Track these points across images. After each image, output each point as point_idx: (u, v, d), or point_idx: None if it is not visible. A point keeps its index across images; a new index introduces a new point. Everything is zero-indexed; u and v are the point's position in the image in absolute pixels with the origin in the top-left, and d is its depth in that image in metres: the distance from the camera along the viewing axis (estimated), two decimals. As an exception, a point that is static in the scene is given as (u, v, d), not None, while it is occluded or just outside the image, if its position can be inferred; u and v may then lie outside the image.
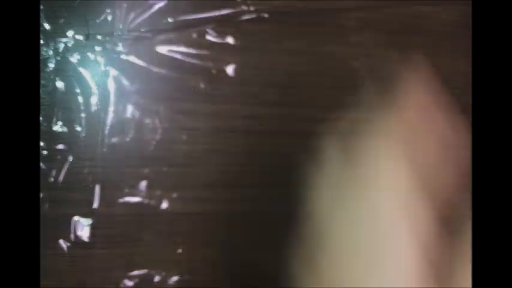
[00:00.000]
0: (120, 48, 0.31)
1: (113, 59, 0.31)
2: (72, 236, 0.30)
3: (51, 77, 0.30)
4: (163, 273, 0.32)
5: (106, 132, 0.31)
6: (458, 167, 0.28)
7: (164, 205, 0.32)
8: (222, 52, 0.32)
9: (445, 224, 0.27)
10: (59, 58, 0.30)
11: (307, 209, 0.26)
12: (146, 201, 0.31)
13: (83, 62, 0.31)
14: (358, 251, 0.23)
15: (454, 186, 0.27)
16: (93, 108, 0.31)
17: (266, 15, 0.32)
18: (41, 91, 0.30)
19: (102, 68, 0.31)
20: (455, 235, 0.28)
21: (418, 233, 0.24)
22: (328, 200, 0.25)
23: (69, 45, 0.30)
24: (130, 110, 0.31)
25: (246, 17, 0.32)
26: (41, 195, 0.30)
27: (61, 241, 0.30)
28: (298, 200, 0.34)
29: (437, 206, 0.26)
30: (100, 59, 0.31)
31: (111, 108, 0.31)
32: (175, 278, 0.32)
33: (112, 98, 0.31)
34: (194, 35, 0.32)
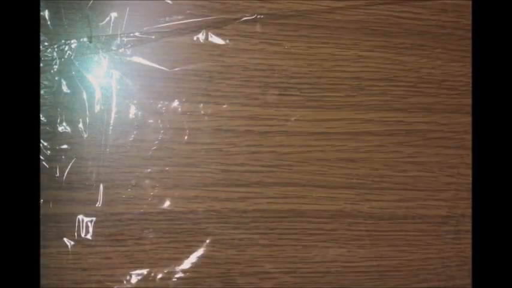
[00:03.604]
0: (123, 49, 0.31)
1: (116, 60, 0.31)
2: (75, 235, 0.31)
3: (55, 78, 0.31)
4: (166, 272, 0.32)
5: (109, 132, 0.31)
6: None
7: (166, 204, 0.32)
8: (223, 53, 0.32)
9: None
10: (62, 59, 0.31)
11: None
12: (149, 200, 0.32)
13: (87, 63, 0.31)
14: None
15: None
16: (97, 108, 0.31)
17: (266, 18, 0.33)
18: (44, 92, 0.31)
19: (106, 69, 0.31)
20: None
21: None
22: None
23: (73, 46, 0.31)
24: (133, 111, 0.32)
25: (246, 19, 0.32)
26: (45, 194, 0.30)
27: (65, 239, 0.31)
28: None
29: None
30: (103, 60, 0.31)
31: (114, 109, 0.31)
32: (177, 276, 0.32)
33: (115, 98, 0.31)
34: (196, 37, 0.32)
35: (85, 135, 0.31)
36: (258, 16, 0.32)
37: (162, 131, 0.32)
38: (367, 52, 0.34)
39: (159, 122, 0.32)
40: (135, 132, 0.32)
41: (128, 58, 0.31)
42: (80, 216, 0.31)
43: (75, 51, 0.31)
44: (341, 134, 0.34)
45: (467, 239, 0.35)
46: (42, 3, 0.30)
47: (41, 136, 0.30)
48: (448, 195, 0.35)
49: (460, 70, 0.35)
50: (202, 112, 0.32)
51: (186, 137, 0.32)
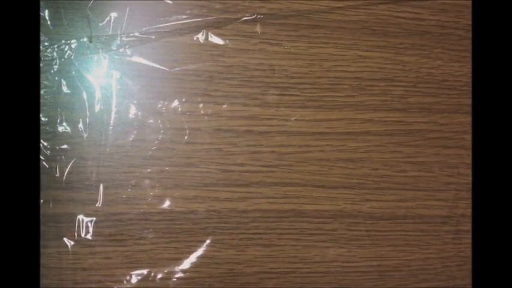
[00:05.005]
0: (123, 49, 0.31)
1: (116, 60, 0.31)
2: (75, 235, 0.31)
3: (55, 78, 0.31)
4: (166, 272, 0.32)
5: (109, 132, 0.31)
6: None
7: (166, 204, 0.32)
8: (223, 53, 0.32)
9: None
10: (62, 59, 0.31)
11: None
12: (149, 200, 0.32)
13: (87, 63, 0.31)
14: None
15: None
16: (97, 108, 0.31)
17: (266, 18, 0.33)
18: (44, 92, 0.31)
19: (105, 69, 0.31)
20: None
21: None
22: None
23: (73, 46, 0.31)
24: (133, 111, 0.32)
25: (246, 19, 0.32)
26: (45, 194, 0.30)
27: (65, 239, 0.31)
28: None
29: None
30: (103, 61, 0.31)
31: (114, 109, 0.31)
32: (177, 276, 0.32)
33: (115, 98, 0.31)
34: (196, 37, 0.32)
35: (85, 135, 0.31)
36: (258, 16, 0.32)
37: (162, 131, 0.32)
38: (367, 52, 0.34)
39: (159, 122, 0.32)
40: (135, 132, 0.32)
41: (128, 58, 0.31)
42: (80, 216, 0.31)
43: (75, 51, 0.31)
44: (341, 134, 0.34)
45: (467, 239, 0.35)
46: (42, 3, 0.30)
47: (41, 136, 0.30)
48: (448, 195, 0.35)
49: (460, 70, 0.35)
50: (202, 112, 0.32)
51: (186, 137, 0.32)
